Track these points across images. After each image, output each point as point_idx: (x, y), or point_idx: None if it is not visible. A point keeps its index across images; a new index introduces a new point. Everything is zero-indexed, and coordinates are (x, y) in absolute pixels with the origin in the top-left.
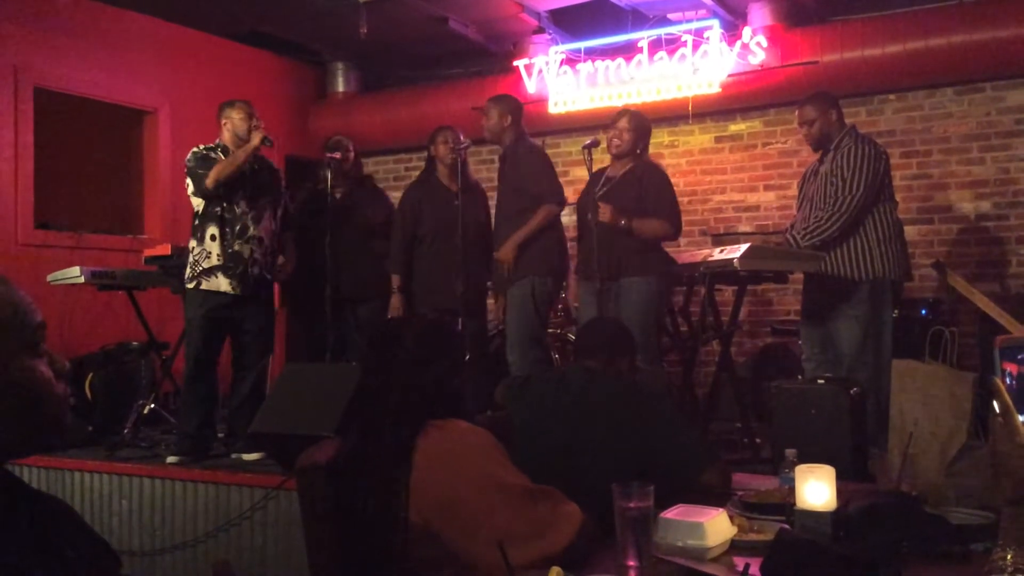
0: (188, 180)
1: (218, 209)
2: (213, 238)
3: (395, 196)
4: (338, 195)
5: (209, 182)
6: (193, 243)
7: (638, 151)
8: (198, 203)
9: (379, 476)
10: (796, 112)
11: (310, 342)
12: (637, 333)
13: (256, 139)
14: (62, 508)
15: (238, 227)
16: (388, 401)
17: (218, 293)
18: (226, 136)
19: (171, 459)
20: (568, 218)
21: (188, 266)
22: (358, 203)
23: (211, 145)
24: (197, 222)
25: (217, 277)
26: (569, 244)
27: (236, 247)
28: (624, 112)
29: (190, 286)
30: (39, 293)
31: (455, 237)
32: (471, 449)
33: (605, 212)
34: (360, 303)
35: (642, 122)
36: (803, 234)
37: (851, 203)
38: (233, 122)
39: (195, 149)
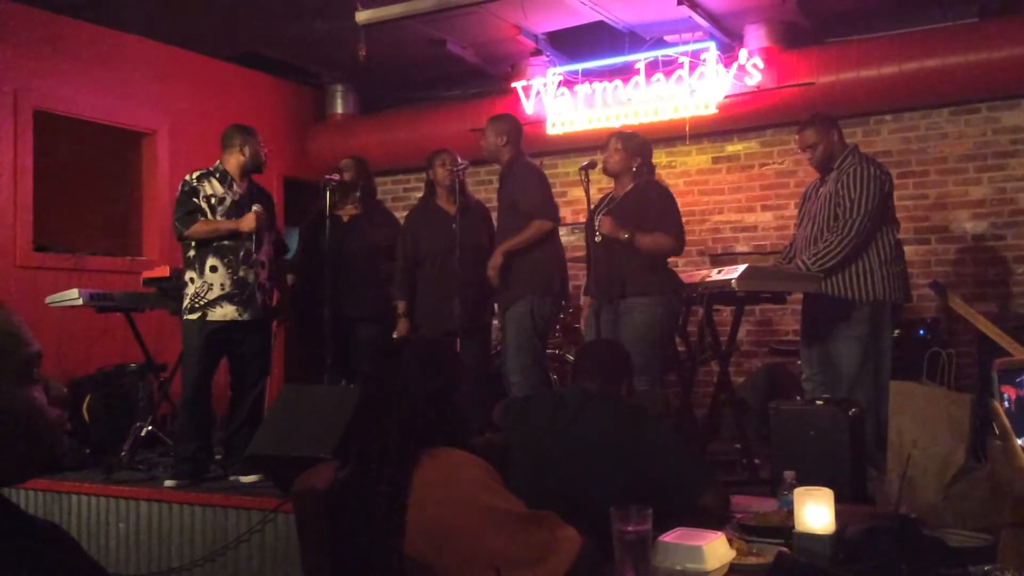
0: None
1: (213, 241)
2: (214, 269)
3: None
4: (346, 218)
5: (184, 236)
6: (192, 274)
7: (634, 168)
8: None
9: (376, 505)
10: (796, 137)
11: (309, 363)
12: (638, 354)
13: (247, 223)
14: (58, 534)
15: (242, 252)
16: (387, 422)
17: (221, 321)
18: (231, 163)
19: (168, 482)
20: (567, 239)
21: (187, 298)
22: (365, 224)
23: (205, 170)
24: (193, 253)
25: (223, 306)
26: (570, 265)
27: (241, 272)
28: (612, 134)
29: (192, 317)
30: (37, 315)
31: (453, 259)
32: (464, 481)
33: (605, 224)
34: (358, 323)
35: (632, 141)
36: (813, 259)
37: (859, 226)
38: (251, 148)
39: (187, 178)
